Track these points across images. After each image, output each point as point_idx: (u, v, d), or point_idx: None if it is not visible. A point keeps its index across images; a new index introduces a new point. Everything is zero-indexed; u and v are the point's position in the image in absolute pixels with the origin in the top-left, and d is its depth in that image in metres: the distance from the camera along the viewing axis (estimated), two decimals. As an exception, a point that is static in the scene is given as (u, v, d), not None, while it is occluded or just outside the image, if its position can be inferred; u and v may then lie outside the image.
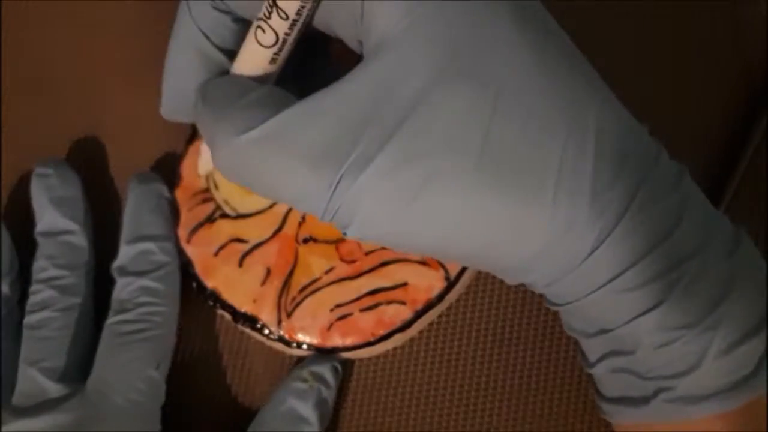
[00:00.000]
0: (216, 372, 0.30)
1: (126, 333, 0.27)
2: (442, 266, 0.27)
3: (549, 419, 0.28)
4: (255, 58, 0.21)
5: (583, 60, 0.21)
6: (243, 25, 0.22)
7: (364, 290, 0.27)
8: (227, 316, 0.28)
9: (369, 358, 0.29)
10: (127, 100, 0.33)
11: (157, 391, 0.27)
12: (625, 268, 0.20)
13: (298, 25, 0.20)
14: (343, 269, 0.27)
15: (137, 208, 0.29)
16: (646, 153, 0.21)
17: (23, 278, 0.29)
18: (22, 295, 0.29)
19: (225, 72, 0.23)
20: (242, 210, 0.29)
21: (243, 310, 0.28)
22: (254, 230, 0.29)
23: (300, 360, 0.28)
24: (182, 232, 0.29)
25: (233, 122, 0.20)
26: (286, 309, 0.28)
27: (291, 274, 0.28)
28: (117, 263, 0.28)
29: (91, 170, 0.32)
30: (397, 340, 0.28)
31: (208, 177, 0.29)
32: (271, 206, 0.29)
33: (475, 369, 0.28)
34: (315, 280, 0.28)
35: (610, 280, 0.20)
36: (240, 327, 0.29)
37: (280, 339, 0.28)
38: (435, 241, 0.20)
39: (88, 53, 0.34)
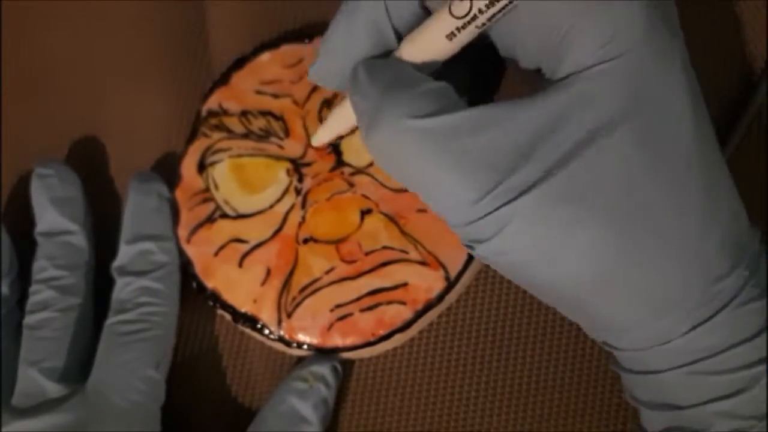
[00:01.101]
0: (216, 372, 0.30)
1: (126, 333, 0.27)
2: (442, 266, 0.27)
3: (549, 419, 0.28)
4: (437, 29, 0.21)
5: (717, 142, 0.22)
6: (425, 16, 0.22)
7: (365, 290, 0.27)
8: (227, 316, 0.28)
9: (369, 358, 0.29)
10: (127, 101, 0.33)
11: (157, 391, 0.27)
12: (715, 353, 0.20)
13: (495, 6, 0.20)
14: (343, 269, 0.27)
15: (137, 207, 0.29)
16: (758, 251, 0.21)
17: (23, 278, 0.29)
18: (22, 295, 0.29)
19: (387, 53, 0.22)
20: (242, 210, 0.29)
21: (243, 311, 0.28)
22: (254, 230, 0.29)
23: (300, 360, 0.28)
24: (182, 232, 0.29)
25: (404, 105, 0.20)
26: (286, 309, 0.28)
27: (291, 274, 0.28)
28: (117, 263, 0.28)
29: (91, 170, 0.32)
30: (398, 340, 0.28)
31: (207, 177, 0.29)
32: (271, 206, 0.29)
33: (475, 369, 0.28)
34: (315, 281, 0.28)
35: (696, 361, 0.20)
36: (240, 327, 0.29)
37: (280, 339, 0.28)
38: (559, 281, 0.20)
39: (89, 53, 0.34)
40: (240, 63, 0.31)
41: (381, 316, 0.27)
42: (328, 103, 0.29)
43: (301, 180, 0.29)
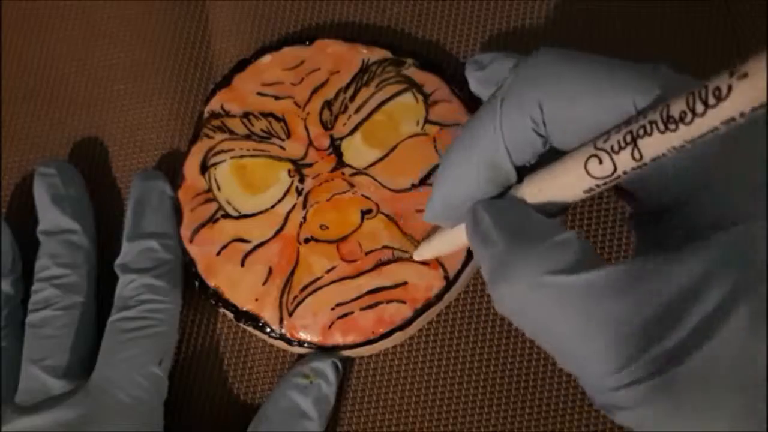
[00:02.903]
0: (218, 370, 0.30)
1: (128, 330, 0.27)
2: (441, 265, 0.27)
3: (548, 417, 0.28)
4: (572, 183, 0.19)
5: None
6: (548, 152, 0.20)
7: (365, 289, 0.27)
8: (229, 314, 0.28)
9: (369, 356, 0.29)
10: (129, 101, 0.33)
11: (159, 387, 0.27)
12: None
13: (644, 169, 0.18)
14: (343, 268, 0.28)
15: (139, 205, 0.29)
16: None
17: (26, 277, 0.29)
18: (26, 293, 0.29)
19: (506, 188, 0.21)
20: (244, 210, 0.29)
21: (245, 309, 0.28)
22: (256, 230, 0.29)
23: (301, 358, 0.29)
24: (185, 232, 0.29)
25: (539, 259, 0.18)
26: (287, 308, 0.28)
27: (292, 273, 0.28)
28: (119, 260, 0.28)
29: (94, 170, 0.32)
30: (398, 338, 0.28)
31: (210, 178, 0.30)
32: (272, 207, 0.29)
33: (474, 367, 0.29)
34: (316, 279, 0.28)
35: None
36: (242, 326, 0.29)
37: (282, 337, 0.28)
38: None
39: (90, 54, 0.34)
40: (242, 65, 0.31)
41: (381, 314, 0.27)
42: (329, 105, 0.30)
43: (302, 180, 0.29)
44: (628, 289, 0.17)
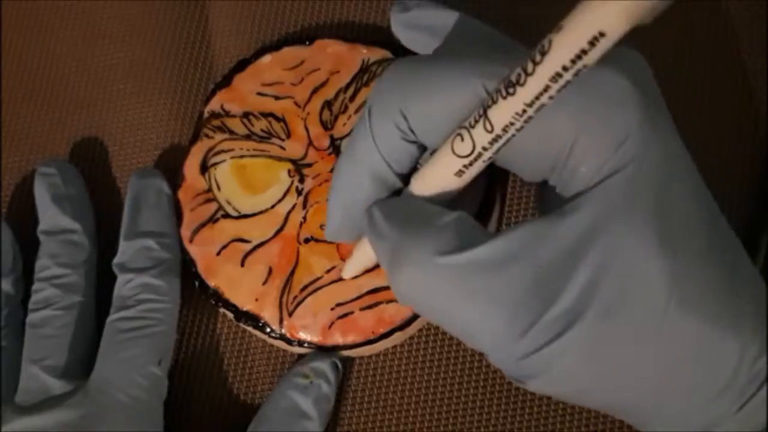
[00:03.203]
0: (218, 370, 0.30)
1: (127, 330, 0.27)
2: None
3: (548, 418, 0.28)
4: (444, 168, 0.20)
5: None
6: (422, 153, 0.21)
7: (365, 289, 0.27)
8: (229, 314, 0.28)
9: (369, 356, 0.29)
10: (129, 101, 0.33)
11: (159, 387, 0.27)
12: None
13: (499, 142, 0.18)
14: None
15: (136, 203, 0.29)
16: None
17: (26, 277, 0.30)
18: (26, 293, 0.29)
19: (396, 193, 0.22)
20: (244, 210, 0.29)
21: (245, 309, 0.28)
22: (256, 230, 0.29)
23: (301, 358, 0.29)
24: (185, 232, 0.29)
25: (427, 242, 0.19)
26: (287, 308, 0.28)
27: (292, 273, 0.28)
28: (117, 260, 0.28)
29: (94, 170, 0.32)
30: (398, 338, 0.28)
31: (210, 178, 0.30)
32: (272, 207, 0.29)
33: (474, 367, 0.29)
34: (316, 279, 0.28)
35: None
36: (242, 326, 0.29)
37: (282, 337, 0.28)
38: (618, 400, 0.20)
39: (90, 54, 0.34)
40: (242, 65, 0.31)
41: (381, 314, 0.27)
42: (329, 105, 0.30)
43: (302, 180, 0.29)
44: (515, 258, 0.18)
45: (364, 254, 0.25)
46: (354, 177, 0.21)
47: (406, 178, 0.22)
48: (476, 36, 0.25)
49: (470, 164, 0.19)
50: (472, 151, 0.19)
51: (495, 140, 0.18)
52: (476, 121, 0.18)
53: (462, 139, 0.19)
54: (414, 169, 0.22)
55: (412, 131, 0.20)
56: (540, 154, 0.20)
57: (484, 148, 0.19)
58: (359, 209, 0.21)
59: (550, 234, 0.19)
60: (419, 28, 0.27)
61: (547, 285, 0.18)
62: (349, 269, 0.27)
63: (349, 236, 0.23)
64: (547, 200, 0.21)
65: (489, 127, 0.18)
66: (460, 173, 0.20)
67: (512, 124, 0.18)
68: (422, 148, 0.21)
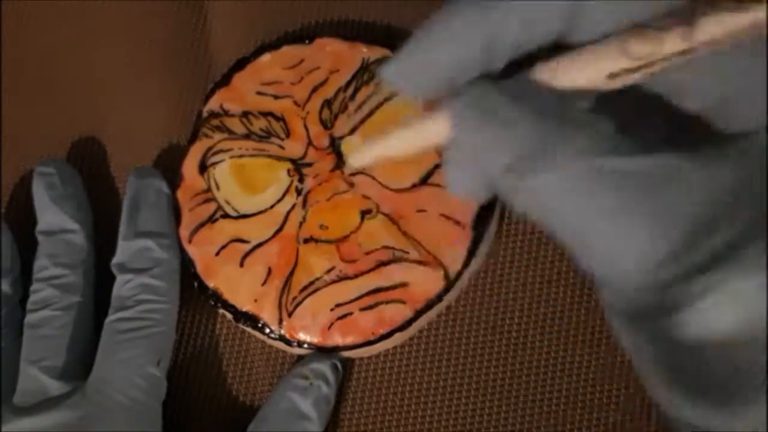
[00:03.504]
0: (217, 371, 0.30)
1: (126, 330, 0.27)
2: (442, 266, 0.27)
3: (549, 419, 0.28)
4: (602, 63, 0.17)
5: None
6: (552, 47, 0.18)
7: (365, 290, 0.27)
8: (228, 315, 0.28)
9: (369, 357, 0.29)
10: (127, 101, 0.33)
11: (157, 388, 0.27)
12: None
13: (686, 56, 0.16)
14: (343, 269, 0.28)
15: (135, 203, 0.29)
16: None
17: (25, 277, 0.29)
18: (24, 294, 0.29)
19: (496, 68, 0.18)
20: (243, 210, 0.29)
21: (244, 310, 0.28)
22: (255, 230, 0.29)
23: (300, 358, 0.29)
24: (184, 232, 0.29)
25: (587, 140, 0.16)
26: (286, 308, 0.28)
27: (292, 273, 0.28)
28: (116, 260, 0.28)
29: (92, 169, 0.32)
30: (397, 339, 0.28)
31: (208, 177, 0.30)
32: (272, 207, 0.29)
33: (475, 368, 0.28)
34: (315, 280, 0.28)
35: None
36: (241, 326, 0.29)
37: (281, 338, 0.28)
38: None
39: (89, 53, 0.34)
40: (241, 64, 0.31)
41: (381, 315, 0.27)
42: (329, 104, 0.30)
43: (301, 180, 0.29)
44: (687, 176, 0.16)
45: (394, 144, 0.20)
46: (465, 33, 0.17)
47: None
48: None
49: (637, 69, 0.17)
50: (649, 57, 0.16)
51: (685, 53, 0.16)
52: (674, 25, 0.16)
53: (643, 40, 0.16)
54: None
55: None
56: (710, 86, 0.17)
57: (665, 58, 0.16)
58: (452, 70, 0.18)
59: (722, 164, 0.16)
60: None
61: (710, 215, 0.16)
62: (367, 154, 0.21)
63: (410, 88, 0.19)
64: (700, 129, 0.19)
65: (687, 36, 0.16)
66: (613, 76, 0.17)
67: (715, 42, 0.16)
68: (559, 34, 0.18)
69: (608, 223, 0.16)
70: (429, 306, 0.27)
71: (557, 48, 0.18)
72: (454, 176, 0.18)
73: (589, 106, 0.18)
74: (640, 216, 0.16)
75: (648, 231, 0.16)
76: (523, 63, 0.18)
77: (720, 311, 0.16)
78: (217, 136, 0.30)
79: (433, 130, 0.18)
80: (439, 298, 0.27)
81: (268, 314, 0.28)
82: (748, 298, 0.16)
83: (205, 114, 0.31)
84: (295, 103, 0.30)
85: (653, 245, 0.16)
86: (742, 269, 0.15)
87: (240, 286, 0.28)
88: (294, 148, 0.29)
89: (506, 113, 0.17)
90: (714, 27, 0.16)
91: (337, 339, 0.27)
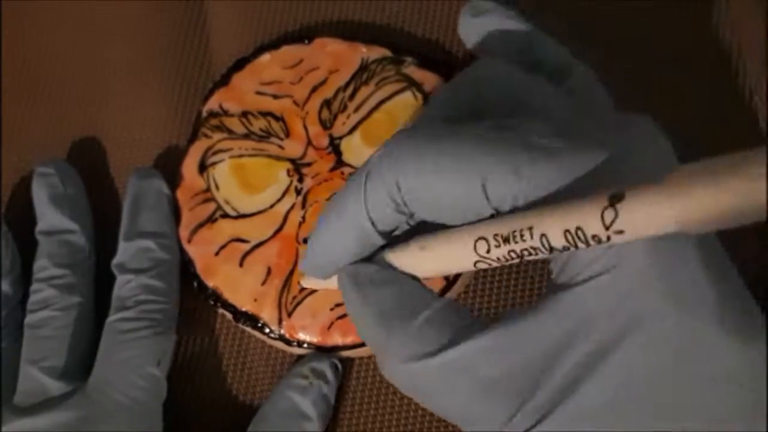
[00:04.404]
0: (217, 371, 0.30)
1: (126, 330, 0.27)
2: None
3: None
4: (455, 260, 0.20)
5: None
6: (409, 221, 0.21)
7: (364, 289, 0.27)
8: (228, 315, 0.28)
9: (369, 357, 0.29)
10: (127, 101, 0.33)
11: (158, 388, 0.27)
12: None
13: (539, 255, 0.18)
14: (343, 269, 0.28)
15: (135, 204, 0.29)
16: None
17: (25, 277, 0.29)
18: (25, 294, 0.29)
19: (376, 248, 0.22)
20: (243, 210, 0.29)
21: (244, 309, 0.28)
22: (255, 230, 0.29)
23: (300, 358, 0.28)
24: (183, 232, 0.29)
25: (407, 345, 0.19)
26: (286, 308, 0.28)
27: (291, 273, 0.28)
28: (116, 260, 0.28)
29: (92, 170, 0.32)
30: (397, 338, 0.28)
31: (208, 177, 0.30)
32: (271, 206, 0.29)
33: (474, 367, 0.28)
34: (315, 280, 0.28)
35: None
36: (241, 326, 0.29)
37: (281, 338, 0.28)
38: None
39: (89, 53, 0.34)
40: (240, 64, 0.31)
41: (381, 314, 0.27)
42: (328, 104, 0.30)
43: (301, 180, 0.29)
44: (499, 353, 0.19)
45: (330, 284, 0.24)
46: (338, 229, 0.21)
47: (388, 236, 0.22)
48: (507, 90, 0.23)
49: (489, 264, 0.19)
50: (497, 257, 0.19)
51: (532, 254, 0.18)
52: (519, 238, 0.18)
53: (490, 249, 0.19)
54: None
55: (405, 204, 0.20)
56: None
57: (509, 258, 0.19)
58: (338, 257, 0.22)
59: (532, 332, 0.19)
60: (488, 36, 0.27)
61: (527, 380, 0.18)
62: (310, 282, 0.25)
63: (322, 276, 0.23)
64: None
65: (542, 249, 0.18)
66: (475, 265, 0.20)
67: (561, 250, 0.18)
68: (411, 217, 0.21)
69: (446, 404, 0.20)
70: (429, 305, 0.27)
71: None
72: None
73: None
74: (467, 395, 0.19)
75: (480, 406, 0.19)
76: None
77: None
78: (217, 135, 0.30)
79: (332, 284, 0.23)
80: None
81: (267, 314, 0.28)
82: None
83: (204, 114, 0.31)
84: (295, 102, 0.30)
85: (488, 415, 0.19)
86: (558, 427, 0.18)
87: (240, 285, 0.28)
88: (293, 147, 0.29)
89: (359, 315, 0.21)
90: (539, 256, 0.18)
91: (336, 339, 0.27)
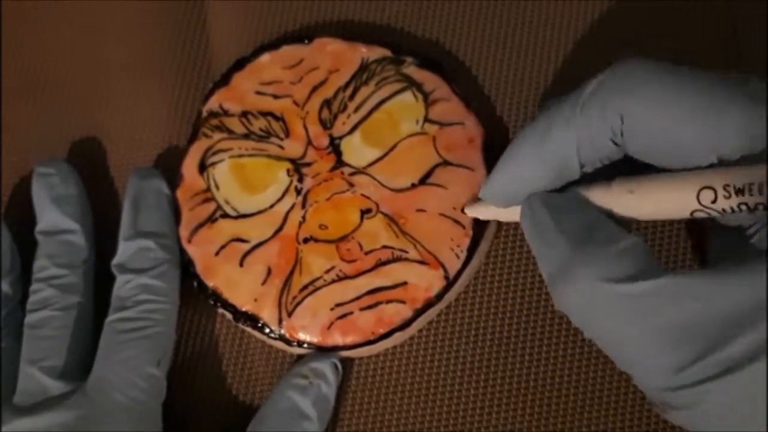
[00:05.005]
0: (217, 371, 0.30)
1: (126, 330, 0.27)
2: (442, 266, 0.27)
3: (548, 417, 0.28)
4: (670, 207, 0.19)
5: None
6: (621, 163, 0.20)
7: (364, 289, 0.27)
8: (228, 315, 0.28)
9: (369, 357, 0.29)
10: (127, 101, 0.33)
11: (157, 388, 0.27)
12: None
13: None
14: (343, 268, 0.28)
15: (135, 204, 0.29)
16: None
17: (25, 277, 0.29)
18: (24, 294, 0.29)
19: (567, 183, 0.21)
20: (243, 210, 0.29)
21: (244, 310, 0.28)
22: (255, 230, 0.29)
23: (300, 358, 0.29)
24: (183, 232, 0.29)
25: (600, 265, 0.19)
26: (286, 308, 0.28)
27: (291, 273, 0.28)
28: (116, 260, 0.28)
29: (92, 170, 0.32)
30: (397, 338, 0.28)
31: (208, 177, 0.30)
32: (271, 206, 0.29)
33: (475, 367, 0.28)
34: (315, 280, 0.28)
35: None
36: (241, 326, 0.29)
37: (281, 338, 0.28)
38: None
39: (89, 53, 0.34)
40: (240, 64, 0.31)
41: (381, 314, 0.27)
42: (328, 104, 0.30)
43: (301, 180, 0.29)
44: (690, 298, 0.18)
45: (502, 214, 0.24)
46: (537, 157, 0.20)
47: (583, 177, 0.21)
48: None
49: (708, 214, 0.19)
50: (722, 209, 0.18)
51: (759, 208, 0.18)
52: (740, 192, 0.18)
53: (715, 196, 0.18)
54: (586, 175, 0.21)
55: (623, 135, 0.19)
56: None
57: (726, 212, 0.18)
58: (530, 185, 0.21)
59: (729, 286, 0.18)
60: None
61: (717, 331, 0.18)
62: (476, 211, 0.25)
63: (504, 203, 0.22)
64: (735, 246, 0.21)
65: (744, 207, 0.18)
66: (693, 213, 0.19)
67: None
68: (620, 152, 0.20)
69: (620, 336, 0.19)
70: (429, 305, 0.27)
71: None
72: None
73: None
74: (649, 333, 0.18)
75: (657, 346, 0.18)
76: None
77: (717, 416, 0.18)
78: (217, 135, 0.30)
79: (513, 216, 0.23)
80: (438, 297, 0.27)
81: (267, 314, 0.28)
82: (744, 409, 0.18)
83: (204, 114, 0.31)
84: (295, 102, 0.30)
85: (661, 359, 0.18)
86: (740, 386, 0.17)
87: (240, 285, 0.28)
88: (293, 147, 0.29)
89: (550, 236, 0.20)
90: None
91: (337, 338, 0.27)
